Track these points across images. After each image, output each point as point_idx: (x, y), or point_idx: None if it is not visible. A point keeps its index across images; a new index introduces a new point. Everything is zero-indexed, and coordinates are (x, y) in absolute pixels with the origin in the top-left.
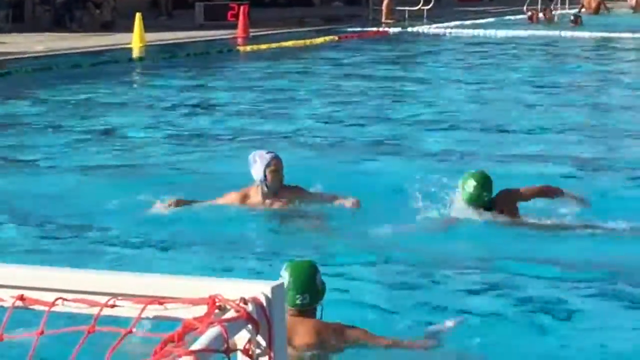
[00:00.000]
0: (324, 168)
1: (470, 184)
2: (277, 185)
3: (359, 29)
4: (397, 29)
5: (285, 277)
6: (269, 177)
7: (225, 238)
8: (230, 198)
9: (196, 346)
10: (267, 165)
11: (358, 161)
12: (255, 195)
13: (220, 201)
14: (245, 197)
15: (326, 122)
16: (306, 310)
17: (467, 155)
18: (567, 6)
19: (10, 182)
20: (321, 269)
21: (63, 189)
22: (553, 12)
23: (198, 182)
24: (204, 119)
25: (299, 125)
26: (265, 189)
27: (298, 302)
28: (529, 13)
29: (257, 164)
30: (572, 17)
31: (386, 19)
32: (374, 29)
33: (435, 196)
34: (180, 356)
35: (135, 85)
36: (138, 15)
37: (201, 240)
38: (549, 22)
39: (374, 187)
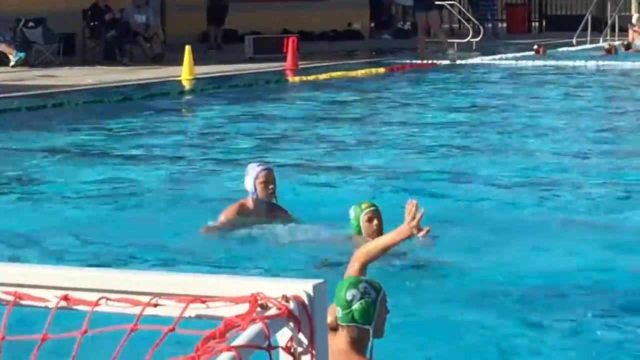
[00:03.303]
0: (376, 197)
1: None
2: (267, 196)
3: (406, 60)
4: (446, 61)
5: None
6: (258, 188)
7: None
8: (229, 211)
9: (238, 343)
10: (256, 178)
11: (404, 188)
12: (250, 206)
13: (221, 217)
14: (241, 207)
15: (373, 151)
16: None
17: (526, 184)
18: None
19: (62, 208)
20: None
21: (113, 215)
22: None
23: None
24: (253, 149)
25: (347, 155)
26: (256, 200)
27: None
28: (606, 45)
29: (249, 176)
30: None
31: (421, 52)
32: (423, 60)
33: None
34: (221, 352)
35: (184, 117)
36: (188, 48)
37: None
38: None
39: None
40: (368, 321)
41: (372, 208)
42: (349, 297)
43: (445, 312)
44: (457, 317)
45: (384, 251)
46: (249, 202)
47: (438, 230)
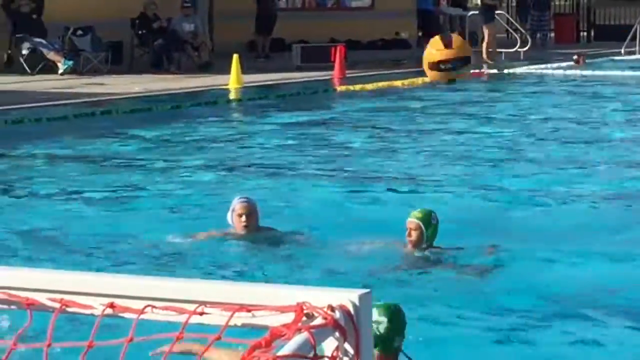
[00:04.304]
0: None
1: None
2: (240, 228)
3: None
4: (494, 70)
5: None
6: (235, 219)
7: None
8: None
9: (284, 352)
10: (233, 210)
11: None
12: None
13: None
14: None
15: (420, 161)
16: None
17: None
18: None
19: (111, 216)
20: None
21: (160, 223)
22: None
23: (292, 217)
24: (298, 159)
25: (393, 164)
26: (232, 233)
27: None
28: None
29: (230, 209)
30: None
31: (487, 58)
32: (471, 70)
33: None
34: None
35: (231, 125)
36: (235, 57)
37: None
38: None
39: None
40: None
41: (411, 219)
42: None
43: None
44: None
45: None
46: (229, 234)
47: (491, 239)
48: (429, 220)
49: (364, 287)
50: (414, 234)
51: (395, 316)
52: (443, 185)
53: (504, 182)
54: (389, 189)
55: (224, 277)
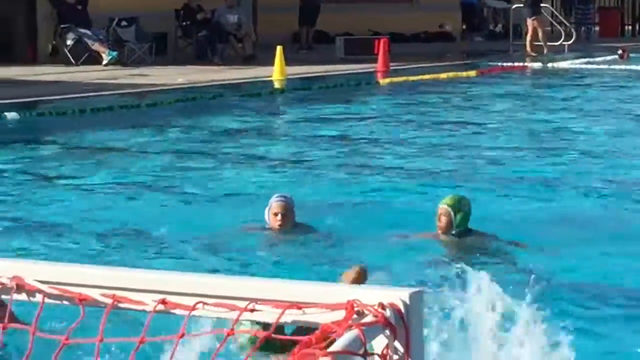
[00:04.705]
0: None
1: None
2: (276, 227)
3: (499, 63)
4: (538, 64)
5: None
6: (271, 218)
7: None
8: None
9: (334, 348)
10: (269, 207)
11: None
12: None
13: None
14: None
15: (466, 153)
16: None
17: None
18: None
19: (154, 206)
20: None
21: (208, 212)
22: None
23: (331, 210)
24: (341, 151)
25: (437, 158)
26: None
27: None
28: None
29: (267, 207)
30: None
31: (531, 51)
32: (515, 63)
33: None
34: (318, 357)
35: (275, 117)
36: (279, 49)
37: None
38: None
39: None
40: None
41: (441, 206)
42: None
43: None
44: None
45: None
46: (266, 230)
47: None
48: (458, 207)
49: (399, 279)
50: (443, 220)
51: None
52: (484, 178)
53: (549, 173)
54: (432, 184)
55: (255, 274)
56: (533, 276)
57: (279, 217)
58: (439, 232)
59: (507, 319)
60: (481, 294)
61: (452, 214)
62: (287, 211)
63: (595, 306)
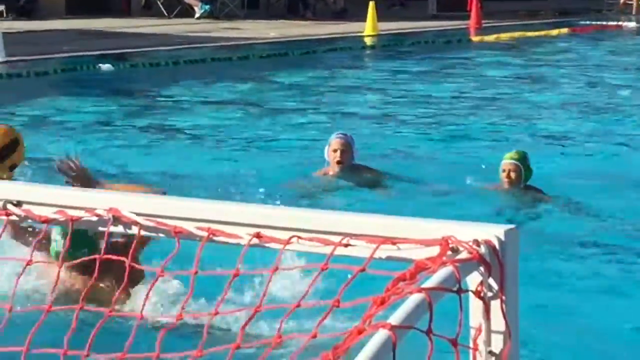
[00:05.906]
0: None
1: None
2: (335, 163)
3: (592, 22)
4: (632, 23)
5: None
6: (330, 155)
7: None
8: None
9: (428, 285)
10: (329, 144)
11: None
12: (328, 174)
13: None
14: (322, 173)
15: (557, 113)
16: None
17: None
18: None
19: (241, 157)
20: None
21: (285, 166)
22: None
23: (403, 159)
24: (429, 109)
25: (526, 115)
26: (329, 166)
27: None
28: None
29: (327, 145)
30: None
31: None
32: (608, 22)
33: None
34: (412, 293)
35: (366, 71)
36: (371, 4)
37: None
38: None
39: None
40: None
41: (510, 161)
42: None
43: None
44: None
45: None
46: (326, 170)
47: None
48: (525, 161)
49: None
50: (513, 175)
51: None
52: (570, 137)
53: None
54: (515, 138)
55: None
56: None
57: (338, 153)
58: (505, 186)
59: None
60: None
61: (521, 168)
62: (346, 148)
63: None
